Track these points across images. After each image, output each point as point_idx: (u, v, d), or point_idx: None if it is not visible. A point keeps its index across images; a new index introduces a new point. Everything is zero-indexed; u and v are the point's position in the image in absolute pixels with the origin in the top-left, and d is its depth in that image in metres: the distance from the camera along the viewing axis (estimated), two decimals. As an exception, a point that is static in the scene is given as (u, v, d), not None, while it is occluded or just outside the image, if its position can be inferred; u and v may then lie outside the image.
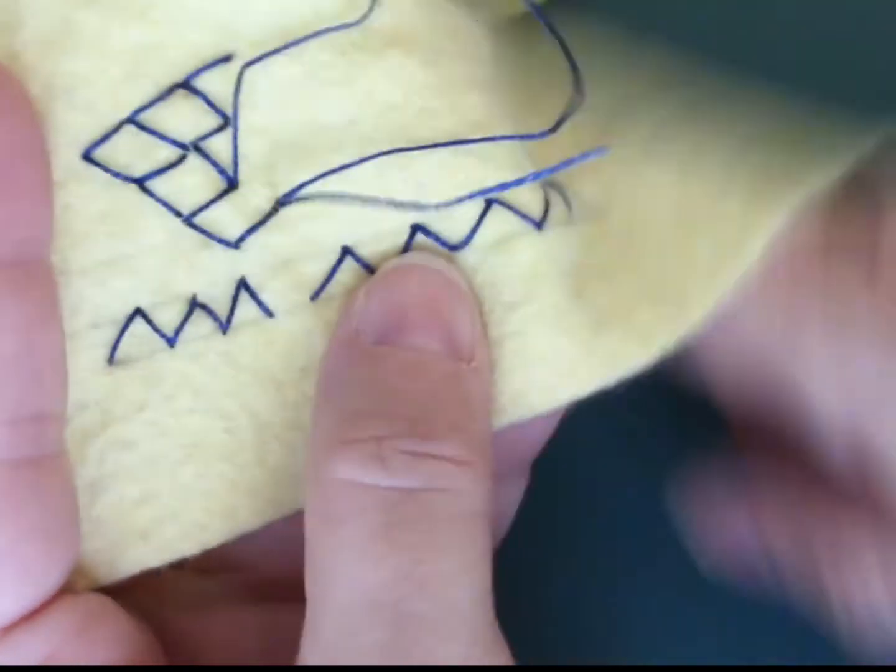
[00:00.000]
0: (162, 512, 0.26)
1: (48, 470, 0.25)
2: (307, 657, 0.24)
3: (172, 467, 0.26)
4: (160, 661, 0.26)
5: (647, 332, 0.26)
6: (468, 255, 0.26)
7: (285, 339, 0.26)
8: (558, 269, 0.26)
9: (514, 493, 0.29)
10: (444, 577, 0.23)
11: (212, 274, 0.26)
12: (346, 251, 0.26)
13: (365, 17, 0.26)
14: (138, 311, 0.26)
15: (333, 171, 0.26)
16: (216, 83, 0.26)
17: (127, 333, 0.26)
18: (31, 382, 0.24)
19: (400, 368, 0.24)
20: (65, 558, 0.25)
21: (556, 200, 0.27)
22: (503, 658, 0.24)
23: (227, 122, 0.26)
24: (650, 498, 0.31)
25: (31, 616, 0.24)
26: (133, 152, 0.26)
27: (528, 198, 0.26)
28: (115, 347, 0.26)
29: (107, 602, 0.26)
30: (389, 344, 0.25)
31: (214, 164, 0.26)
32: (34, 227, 0.25)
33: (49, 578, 0.25)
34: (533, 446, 0.29)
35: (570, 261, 0.26)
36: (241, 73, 0.25)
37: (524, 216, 0.26)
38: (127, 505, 0.26)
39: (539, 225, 0.26)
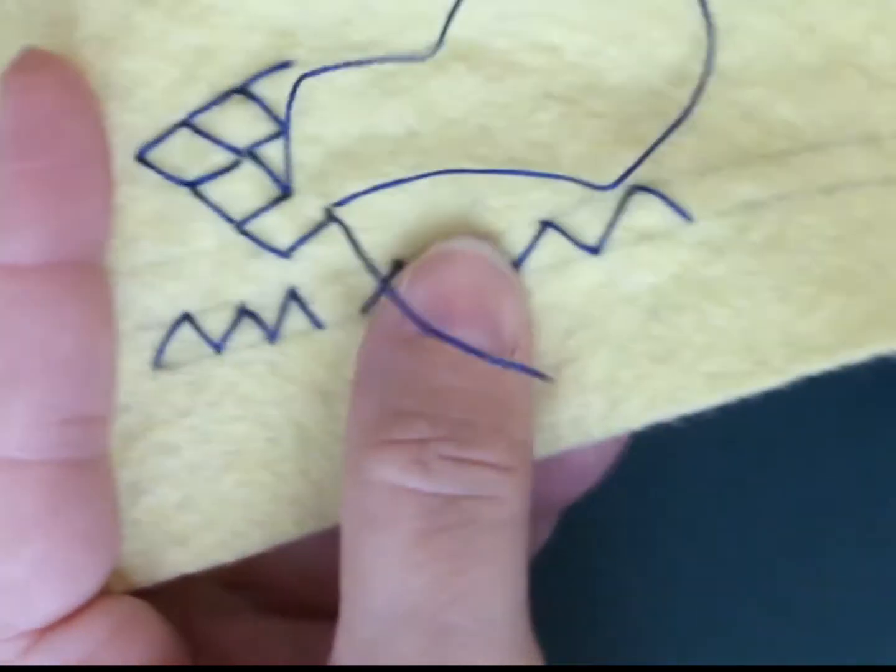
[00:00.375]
0: (201, 518, 0.26)
1: (94, 472, 0.25)
2: (341, 655, 0.24)
3: (213, 474, 0.26)
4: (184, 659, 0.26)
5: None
6: (523, 278, 0.26)
7: (334, 350, 0.26)
8: (621, 293, 0.25)
9: (545, 531, 0.29)
10: (482, 587, 0.23)
11: (261, 282, 0.26)
12: (398, 265, 0.26)
13: (438, 46, 0.25)
14: (186, 316, 0.26)
15: (388, 184, 0.25)
16: (274, 89, 0.25)
17: (174, 338, 0.26)
18: (84, 384, 0.24)
19: (446, 364, 0.24)
20: (106, 562, 0.25)
21: (641, 210, 0.26)
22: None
23: (283, 128, 0.25)
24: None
25: (69, 617, 0.25)
26: (187, 155, 0.25)
27: (587, 220, 0.26)
28: (161, 351, 0.26)
29: (141, 606, 0.26)
30: (434, 335, 0.24)
31: (269, 171, 0.25)
32: (96, 230, 0.24)
33: (91, 582, 0.25)
34: (577, 488, 0.28)
35: (644, 282, 0.25)
36: (298, 82, 0.25)
37: (576, 242, 0.25)
38: (166, 509, 0.26)
39: (595, 250, 0.25)
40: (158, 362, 0.26)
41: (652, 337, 0.25)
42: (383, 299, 0.25)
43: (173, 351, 0.26)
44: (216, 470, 0.26)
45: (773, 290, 0.25)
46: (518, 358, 0.24)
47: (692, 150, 0.25)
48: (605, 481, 0.29)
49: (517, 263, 0.26)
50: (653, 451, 0.29)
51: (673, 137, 0.25)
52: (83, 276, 0.24)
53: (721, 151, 0.25)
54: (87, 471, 0.25)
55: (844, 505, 0.32)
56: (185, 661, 0.26)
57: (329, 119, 0.25)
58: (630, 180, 0.25)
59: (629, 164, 0.25)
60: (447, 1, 0.25)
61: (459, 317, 0.24)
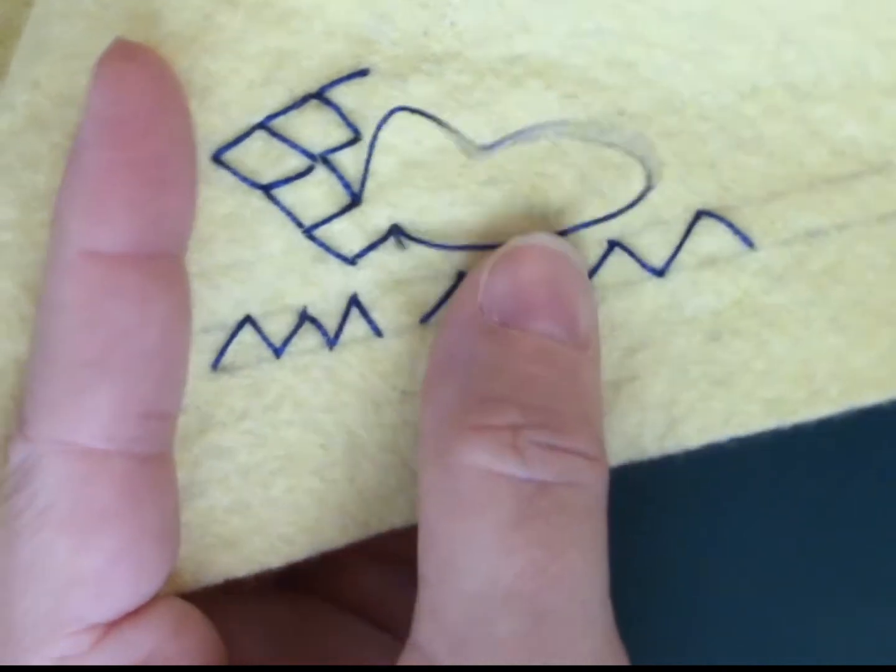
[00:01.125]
0: (251, 523, 0.26)
1: (164, 468, 0.25)
2: (430, 642, 0.23)
3: (265, 478, 0.26)
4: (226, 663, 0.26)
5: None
6: None
7: (390, 359, 0.26)
8: (683, 316, 0.26)
9: None
10: (576, 572, 0.23)
11: (324, 288, 0.26)
12: (462, 277, 0.26)
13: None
14: (248, 319, 0.26)
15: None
16: (350, 96, 0.25)
17: (235, 340, 0.26)
18: (164, 378, 0.24)
19: (531, 354, 0.24)
20: (172, 559, 0.25)
21: (705, 236, 0.26)
22: (624, 658, 0.24)
23: (357, 136, 0.25)
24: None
25: (135, 613, 0.24)
26: (262, 158, 0.25)
27: (653, 242, 0.26)
28: (222, 353, 0.26)
29: (191, 607, 0.26)
30: (516, 326, 0.24)
31: (341, 178, 0.25)
32: (182, 223, 0.24)
33: (159, 578, 0.25)
34: None
35: (704, 306, 0.26)
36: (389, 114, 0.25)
37: (643, 263, 0.26)
38: (217, 513, 0.26)
39: (661, 272, 0.26)
40: (218, 365, 0.26)
41: (712, 361, 0.26)
42: (460, 291, 0.25)
43: (233, 354, 0.26)
44: (268, 474, 0.26)
45: (830, 321, 0.26)
46: (591, 356, 0.25)
47: (759, 173, 0.26)
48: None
49: None
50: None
51: (740, 159, 0.26)
52: (168, 268, 0.24)
53: (788, 174, 0.26)
54: (158, 466, 0.25)
55: (844, 502, 0.33)
56: (226, 659, 0.26)
57: (405, 129, 0.25)
58: (699, 205, 0.26)
59: (693, 187, 0.26)
60: (524, 17, 0.26)
61: (540, 309, 0.24)
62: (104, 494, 0.24)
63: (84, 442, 0.23)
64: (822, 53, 0.26)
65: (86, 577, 0.24)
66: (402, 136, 0.26)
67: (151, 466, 0.24)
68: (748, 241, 0.26)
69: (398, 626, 0.26)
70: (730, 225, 0.26)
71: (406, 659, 0.24)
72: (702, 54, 0.26)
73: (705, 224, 0.26)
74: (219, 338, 0.26)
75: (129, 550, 0.24)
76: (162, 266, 0.24)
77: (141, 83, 0.24)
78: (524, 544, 0.23)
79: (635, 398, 0.26)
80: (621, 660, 0.24)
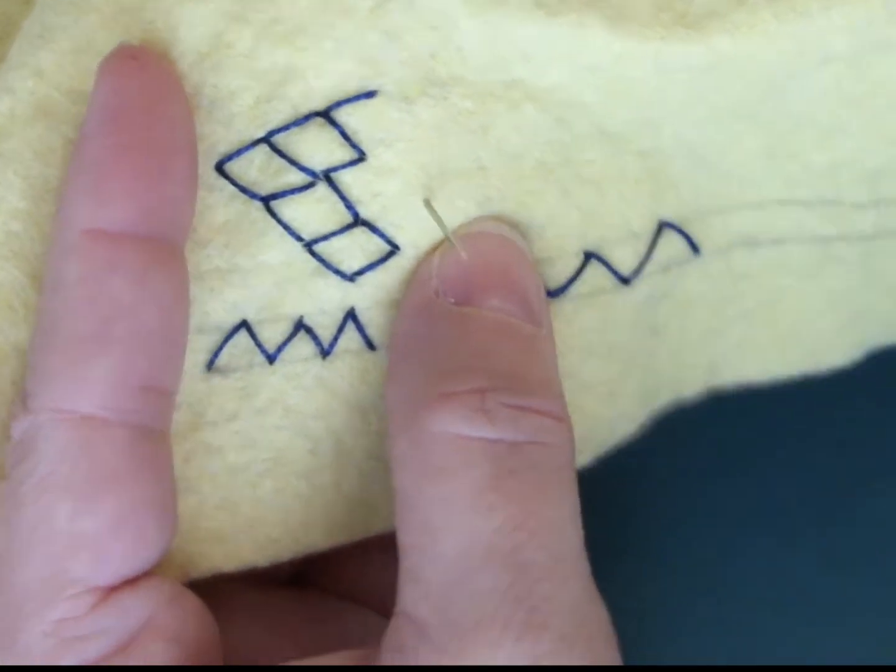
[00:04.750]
0: (239, 521, 0.27)
1: (163, 444, 0.25)
2: (414, 607, 0.24)
3: (253, 479, 0.27)
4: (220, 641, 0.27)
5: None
6: (565, 304, 0.27)
7: (380, 369, 0.27)
8: (650, 325, 0.28)
9: None
10: (553, 526, 0.24)
11: (322, 301, 0.26)
12: None
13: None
14: (244, 323, 0.26)
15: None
16: (356, 116, 0.26)
17: (230, 343, 0.26)
18: (162, 356, 0.25)
19: (490, 327, 0.25)
20: (169, 534, 0.25)
21: (667, 245, 0.28)
22: (603, 609, 0.24)
23: (362, 156, 0.26)
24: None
25: (133, 580, 0.25)
26: (263, 171, 0.26)
27: (628, 252, 0.27)
28: (216, 354, 0.26)
29: (182, 585, 0.26)
30: (472, 305, 0.25)
31: (343, 197, 0.26)
32: (183, 212, 0.25)
33: (157, 549, 0.25)
34: None
35: (654, 307, 0.28)
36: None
37: (616, 273, 0.27)
38: (206, 508, 0.27)
39: (627, 280, 0.27)
40: (212, 366, 0.27)
41: (652, 354, 0.28)
42: (414, 279, 0.26)
43: (227, 356, 0.27)
44: (256, 475, 0.27)
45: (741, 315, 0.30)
46: (545, 334, 0.26)
47: (712, 192, 0.28)
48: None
49: (562, 290, 0.27)
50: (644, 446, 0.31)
51: (701, 177, 0.28)
52: (168, 252, 0.25)
53: (740, 193, 0.28)
54: (157, 441, 0.25)
55: (842, 499, 0.33)
56: (218, 635, 0.26)
57: (410, 151, 0.26)
58: (663, 218, 0.28)
59: (661, 204, 0.28)
60: (526, 47, 0.26)
61: (493, 287, 0.25)
62: (104, 460, 0.24)
63: (84, 410, 0.24)
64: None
65: (86, 540, 0.24)
66: (407, 158, 0.26)
67: (151, 440, 0.25)
68: (696, 249, 0.28)
69: None
70: (685, 235, 0.28)
71: (394, 626, 0.24)
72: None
73: (666, 234, 0.27)
74: (214, 339, 0.26)
75: (129, 516, 0.24)
76: (162, 249, 0.24)
77: (142, 77, 0.24)
78: (501, 502, 0.23)
79: (607, 402, 0.28)
80: (599, 611, 0.24)
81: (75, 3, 0.25)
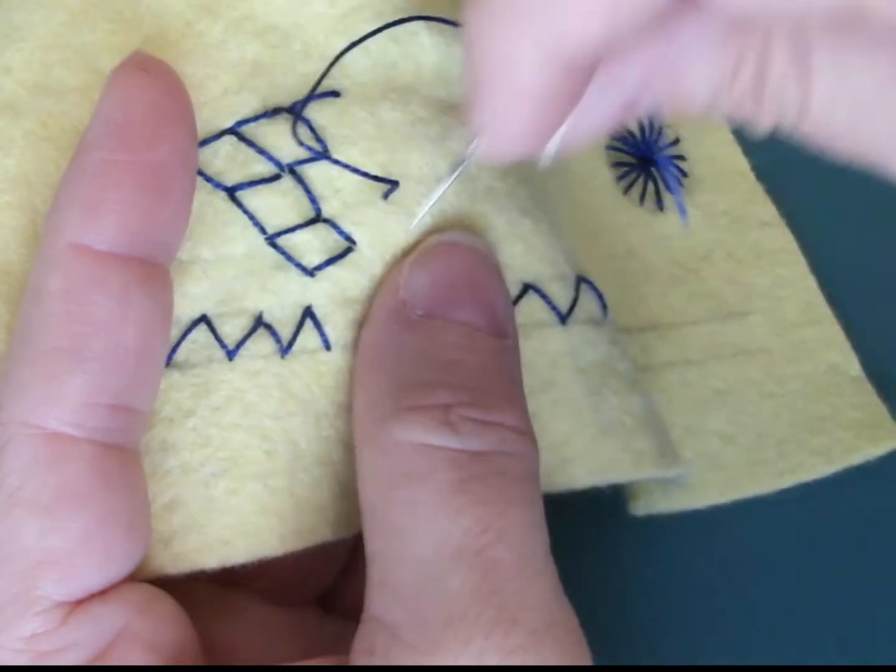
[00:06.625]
0: (188, 521, 0.26)
1: (132, 461, 0.25)
2: (384, 610, 0.24)
3: (206, 479, 0.26)
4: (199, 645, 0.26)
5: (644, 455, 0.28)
6: None
7: (333, 373, 0.27)
8: (578, 365, 0.28)
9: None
10: (519, 528, 0.24)
11: (282, 296, 0.26)
12: None
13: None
14: (204, 318, 0.26)
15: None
16: (321, 113, 0.26)
17: (188, 338, 0.26)
18: (136, 376, 0.25)
19: (456, 341, 0.25)
20: (140, 548, 0.25)
21: (586, 298, 0.28)
22: (570, 608, 0.24)
23: (326, 152, 0.26)
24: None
25: (103, 592, 0.24)
26: (229, 162, 0.26)
27: (560, 292, 0.28)
28: (174, 350, 0.26)
29: (155, 588, 0.26)
30: (438, 317, 0.25)
31: (307, 191, 0.26)
32: (173, 233, 0.25)
33: (127, 563, 0.25)
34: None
35: (591, 360, 0.28)
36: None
37: (554, 307, 0.28)
38: (155, 508, 0.26)
39: (564, 319, 0.28)
40: (170, 361, 0.26)
41: (597, 410, 0.28)
42: (382, 289, 0.26)
43: (186, 351, 0.26)
44: (209, 474, 0.26)
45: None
46: (510, 345, 0.26)
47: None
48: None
49: None
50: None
51: None
52: (153, 274, 0.25)
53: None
54: (126, 459, 0.25)
55: (843, 500, 0.34)
56: (195, 637, 0.26)
57: (373, 151, 0.26)
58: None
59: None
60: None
61: (460, 300, 0.26)
62: (72, 477, 0.24)
63: (52, 426, 0.24)
64: None
65: (54, 557, 0.24)
66: (370, 157, 0.26)
67: (121, 458, 0.25)
68: (606, 310, 0.29)
69: None
70: (597, 291, 0.29)
71: (363, 630, 0.24)
72: None
73: (584, 289, 0.28)
74: (172, 333, 0.26)
75: (96, 533, 0.24)
76: (148, 269, 0.25)
77: (152, 93, 0.25)
78: (468, 504, 0.24)
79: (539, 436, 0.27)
80: (567, 610, 0.24)
81: (43, 3, 0.26)
